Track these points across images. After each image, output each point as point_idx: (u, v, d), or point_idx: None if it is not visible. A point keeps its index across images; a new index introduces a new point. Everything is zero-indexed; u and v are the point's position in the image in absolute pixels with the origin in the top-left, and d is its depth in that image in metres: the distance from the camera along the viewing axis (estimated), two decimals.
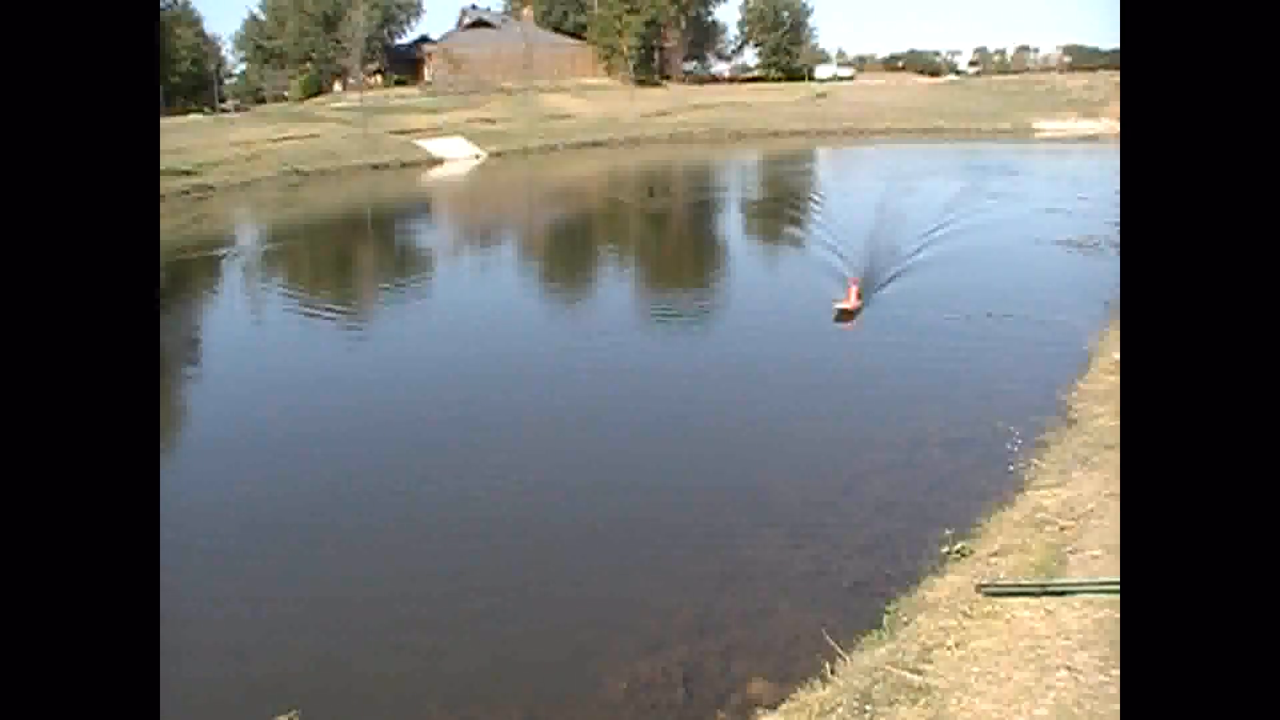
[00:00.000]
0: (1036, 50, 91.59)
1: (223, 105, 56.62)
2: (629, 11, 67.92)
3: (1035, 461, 7.80)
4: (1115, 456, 7.09)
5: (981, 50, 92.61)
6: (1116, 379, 9.22)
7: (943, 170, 34.84)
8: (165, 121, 38.22)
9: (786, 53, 75.06)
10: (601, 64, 69.86)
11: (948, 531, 6.47)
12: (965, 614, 5.11)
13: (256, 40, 69.87)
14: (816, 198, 29.88)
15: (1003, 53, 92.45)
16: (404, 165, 41.95)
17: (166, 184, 30.13)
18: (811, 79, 72.77)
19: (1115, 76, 51.12)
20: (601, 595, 6.70)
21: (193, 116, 49.17)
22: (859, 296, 13.71)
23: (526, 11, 73.35)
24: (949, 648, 4.77)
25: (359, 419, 10.49)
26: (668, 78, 70.03)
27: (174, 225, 26.02)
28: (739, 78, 76.68)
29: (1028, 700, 4.17)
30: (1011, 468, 7.84)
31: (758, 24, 75.87)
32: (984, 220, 22.37)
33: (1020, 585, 5.29)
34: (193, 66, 57.69)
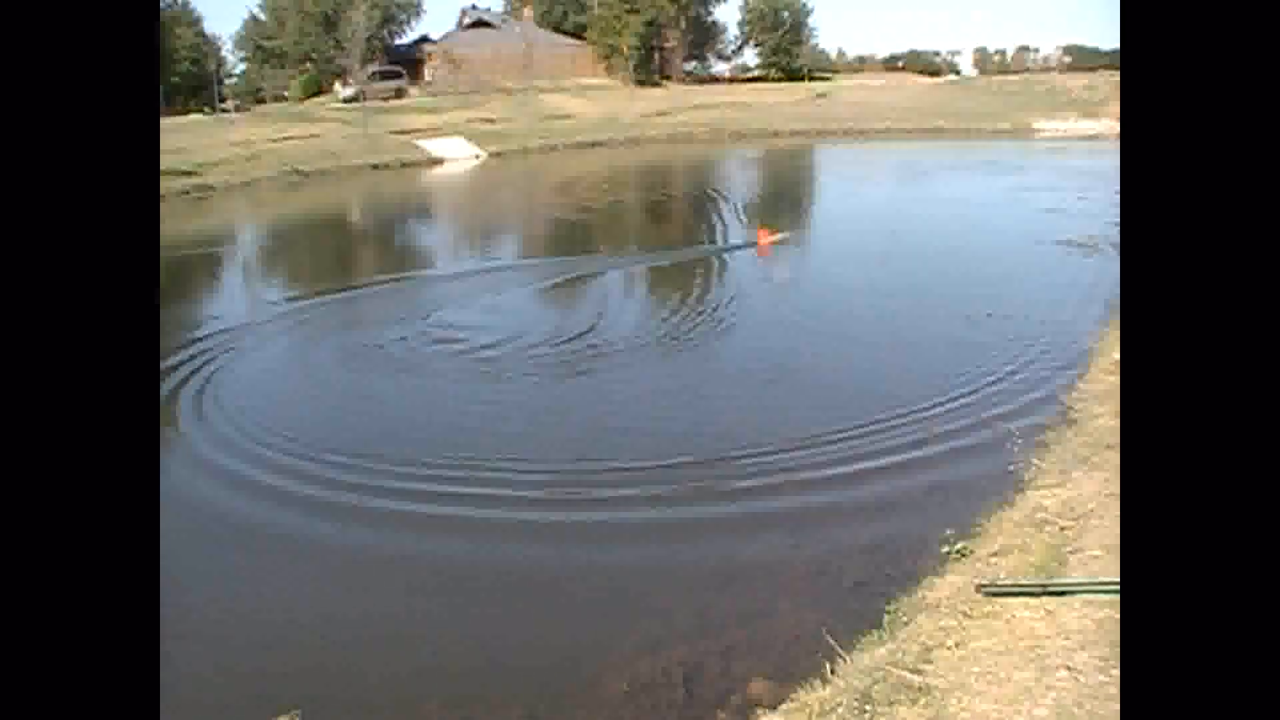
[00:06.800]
0: (1036, 50, 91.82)
1: (223, 105, 56.43)
2: (629, 11, 67.84)
3: (1035, 461, 7.79)
4: (1115, 456, 7.08)
5: (982, 50, 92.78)
6: (1116, 379, 9.21)
7: (977, 168, 34.72)
8: (165, 121, 38.18)
9: (786, 53, 74.97)
10: (601, 64, 69.80)
11: (948, 531, 6.46)
12: (965, 614, 5.11)
13: (256, 40, 69.72)
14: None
15: (1003, 53, 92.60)
16: (404, 165, 41.90)
17: (167, 184, 30.06)
18: None
19: (1115, 76, 51.01)
20: (601, 595, 6.70)
21: (193, 116, 49.06)
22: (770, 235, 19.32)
23: (526, 11, 73.20)
24: (949, 648, 4.77)
25: (361, 414, 10.48)
26: (668, 78, 70.03)
27: (172, 224, 25.98)
28: (739, 78, 76.62)
29: (1028, 700, 4.17)
30: (1011, 468, 7.83)
31: (758, 24, 75.80)
32: None
33: (1020, 585, 5.29)
34: (193, 66, 57.59)
